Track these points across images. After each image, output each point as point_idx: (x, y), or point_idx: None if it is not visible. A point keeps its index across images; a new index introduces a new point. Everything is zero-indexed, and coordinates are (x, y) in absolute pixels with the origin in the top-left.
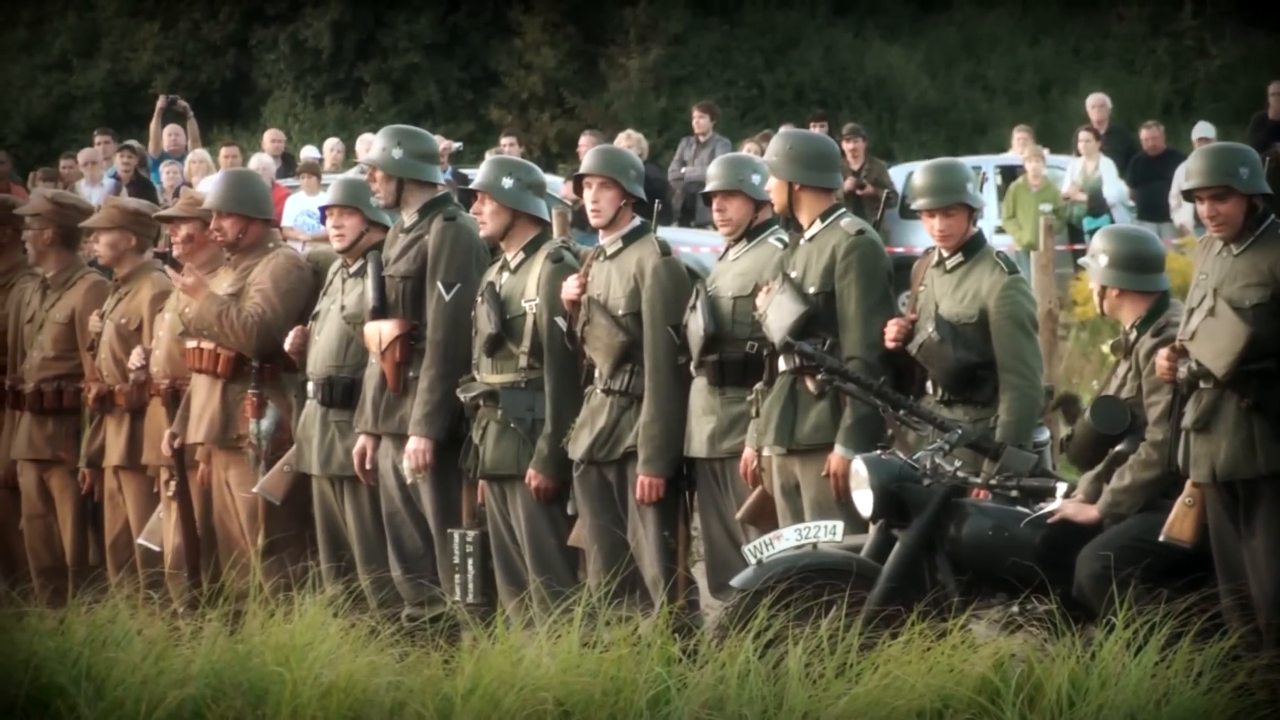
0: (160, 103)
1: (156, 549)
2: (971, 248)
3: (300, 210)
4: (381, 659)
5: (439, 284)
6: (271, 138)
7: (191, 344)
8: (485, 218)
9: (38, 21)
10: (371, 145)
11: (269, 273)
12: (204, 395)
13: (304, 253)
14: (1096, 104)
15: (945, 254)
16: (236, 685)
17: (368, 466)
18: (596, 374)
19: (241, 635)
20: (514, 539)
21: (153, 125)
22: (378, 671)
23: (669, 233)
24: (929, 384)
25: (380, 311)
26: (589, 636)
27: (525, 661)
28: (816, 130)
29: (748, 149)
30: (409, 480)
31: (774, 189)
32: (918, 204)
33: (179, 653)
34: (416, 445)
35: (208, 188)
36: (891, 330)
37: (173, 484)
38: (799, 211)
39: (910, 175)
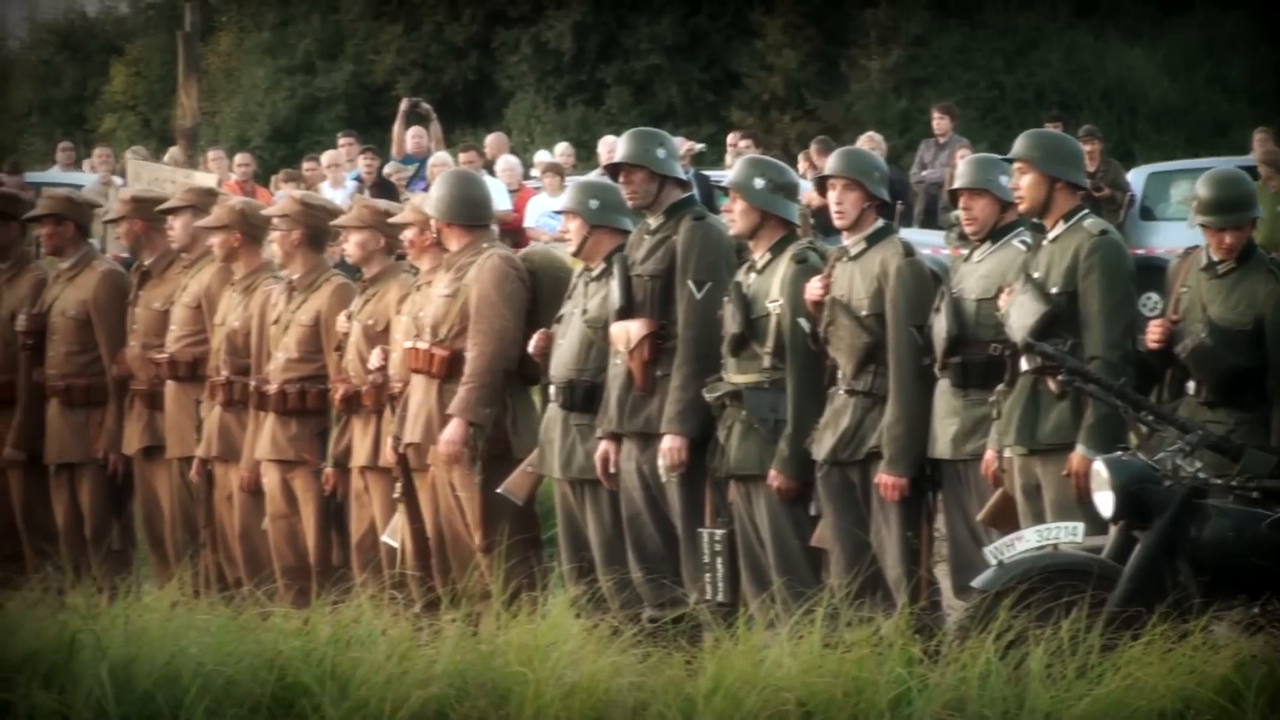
0: (403, 105)
1: (398, 547)
2: (1244, 254)
3: (542, 211)
4: (624, 659)
5: (689, 282)
6: (493, 141)
7: (408, 344)
8: (735, 216)
9: (282, 24)
10: (624, 145)
11: (488, 279)
12: (421, 396)
13: (519, 253)
14: None
15: (1215, 258)
16: (480, 685)
17: (610, 470)
18: (840, 375)
19: (484, 636)
20: (758, 539)
21: (396, 128)
22: (620, 672)
23: (909, 234)
24: (1189, 386)
25: (627, 311)
26: (831, 637)
27: (767, 662)
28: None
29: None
30: (664, 479)
31: (1030, 185)
32: (1203, 220)
33: (422, 653)
34: (671, 443)
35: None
36: (1155, 332)
37: (398, 485)
38: (1050, 210)
39: (1147, 176)
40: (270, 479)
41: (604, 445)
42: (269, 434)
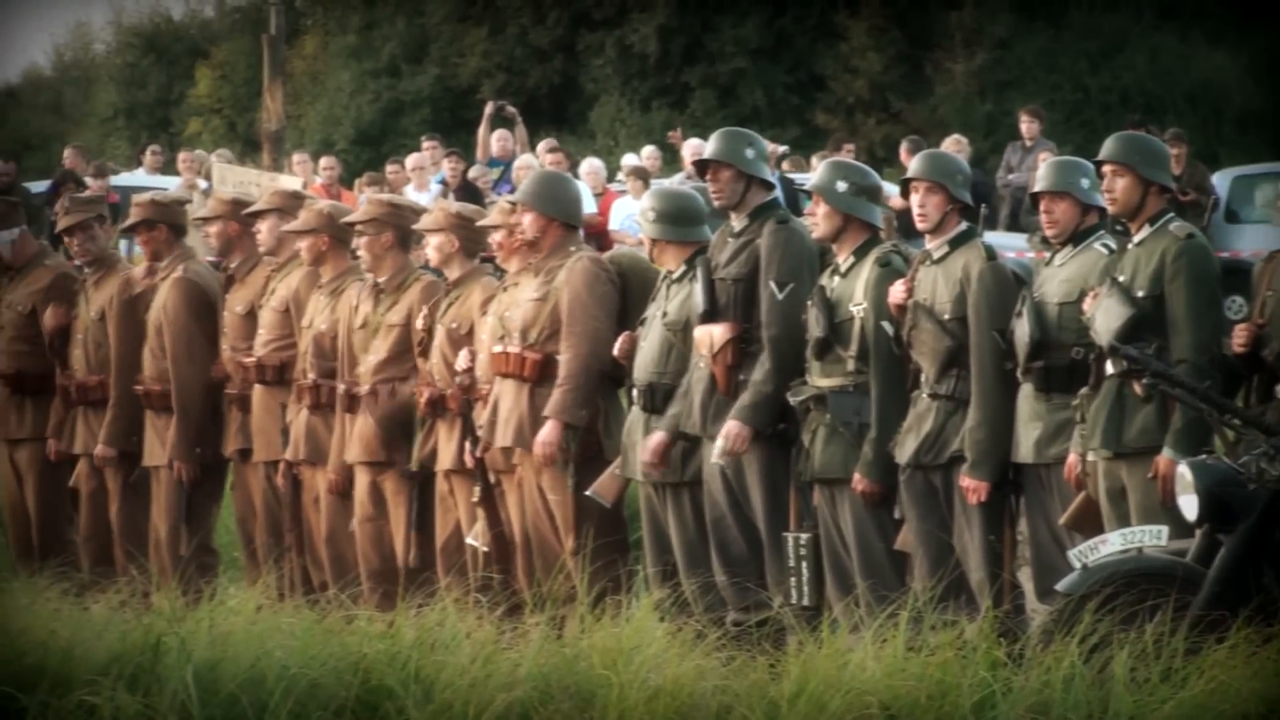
0: (488, 109)
1: (485, 549)
2: None
3: (626, 214)
4: (707, 663)
5: (772, 283)
6: (547, 146)
7: (498, 348)
8: (818, 220)
9: (367, 28)
10: (713, 143)
11: (580, 282)
12: (511, 399)
13: (606, 255)
14: None
15: None
16: (564, 688)
17: (662, 463)
18: (923, 378)
19: (569, 639)
20: (843, 542)
21: (481, 131)
22: (704, 675)
23: (992, 238)
24: (1277, 389)
25: (711, 314)
26: (915, 640)
27: (851, 665)
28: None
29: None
30: (715, 461)
31: (1126, 189)
32: None
33: (506, 656)
34: (735, 429)
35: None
36: (1241, 336)
37: (477, 489)
38: (1141, 212)
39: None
40: (360, 482)
41: (660, 436)
42: (359, 436)
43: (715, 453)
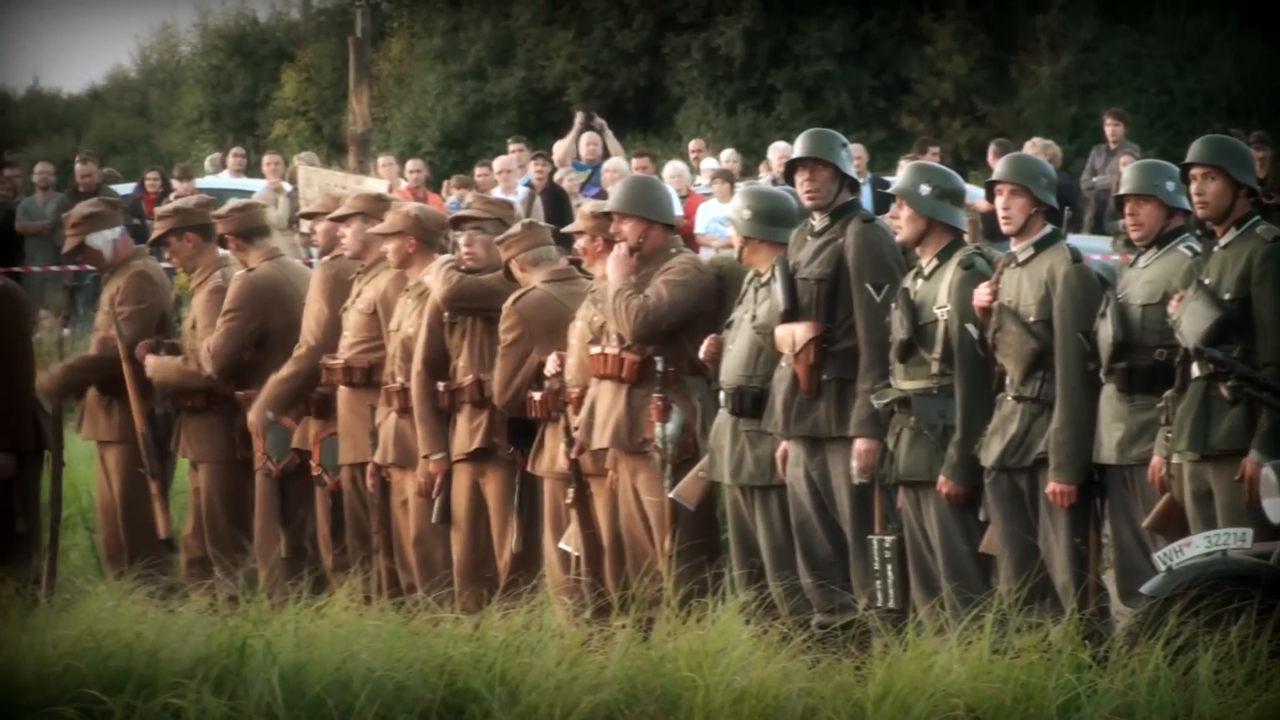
0: (578, 118)
1: (577, 553)
2: None
3: (712, 217)
4: (793, 665)
5: (867, 285)
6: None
7: (596, 349)
8: (901, 223)
9: (453, 30)
10: (809, 141)
11: (675, 271)
12: (609, 400)
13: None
14: None
15: None
16: (650, 691)
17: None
18: (1007, 380)
19: (655, 641)
20: (928, 545)
21: (568, 140)
22: (789, 678)
23: (1076, 240)
24: None
25: (792, 314)
26: (1000, 643)
27: (936, 667)
28: None
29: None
30: (855, 480)
31: (1218, 192)
32: None
33: (592, 658)
34: (864, 446)
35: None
36: None
37: (571, 491)
38: (1228, 215)
39: None
40: (460, 481)
41: (783, 444)
42: (462, 433)
43: (855, 474)
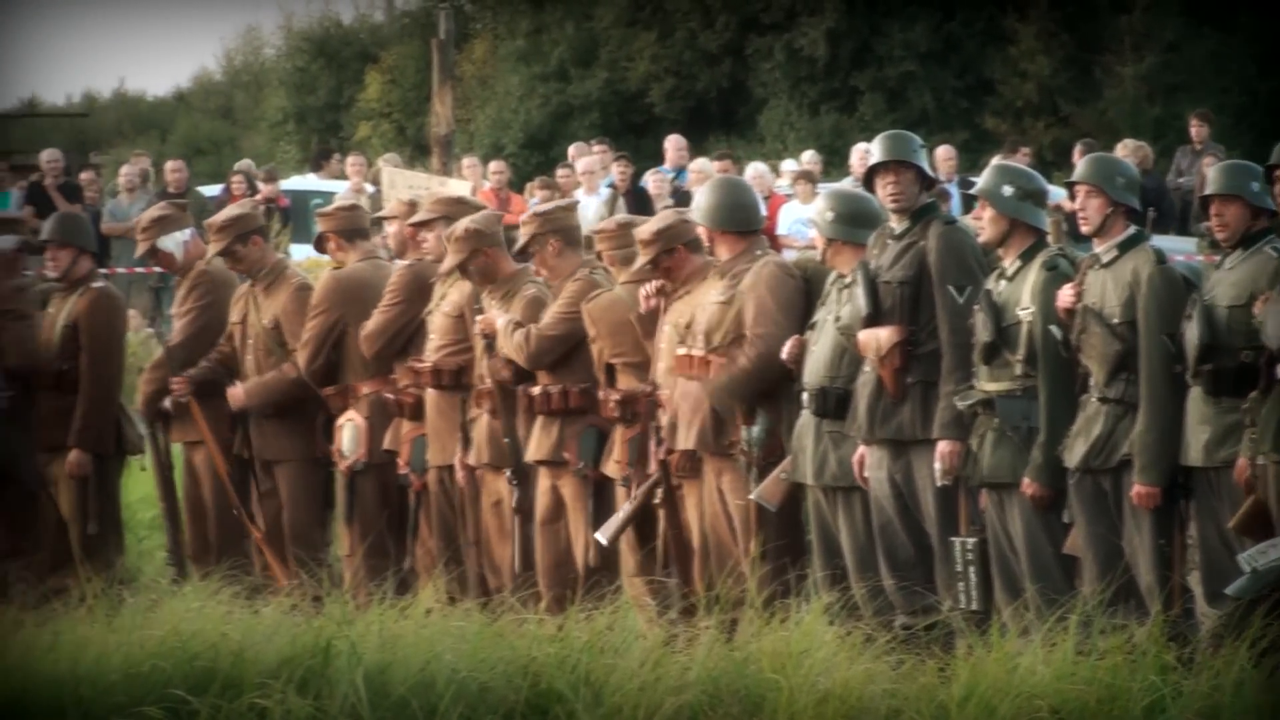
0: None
1: (606, 543)
2: None
3: (794, 219)
4: (876, 667)
5: (950, 287)
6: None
7: (681, 351)
8: (984, 224)
9: (536, 31)
10: (891, 144)
11: (765, 286)
12: (694, 402)
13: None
14: None
15: None
16: (733, 692)
17: (865, 475)
18: (1091, 382)
19: (738, 642)
20: (1012, 547)
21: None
22: (873, 679)
23: (1159, 241)
24: None
25: (874, 318)
26: (1084, 644)
27: (1020, 669)
28: None
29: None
30: (939, 483)
31: None
32: None
33: (676, 659)
34: (948, 448)
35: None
36: None
37: (659, 491)
38: None
39: None
40: (542, 485)
41: (861, 448)
42: (536, 437)
43: (939, 476)
